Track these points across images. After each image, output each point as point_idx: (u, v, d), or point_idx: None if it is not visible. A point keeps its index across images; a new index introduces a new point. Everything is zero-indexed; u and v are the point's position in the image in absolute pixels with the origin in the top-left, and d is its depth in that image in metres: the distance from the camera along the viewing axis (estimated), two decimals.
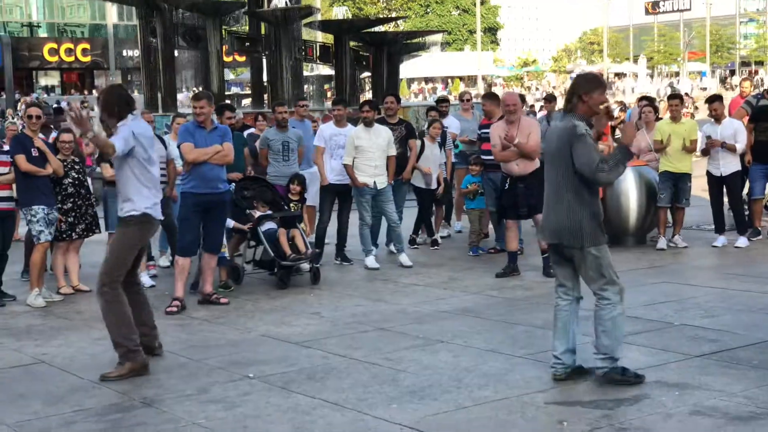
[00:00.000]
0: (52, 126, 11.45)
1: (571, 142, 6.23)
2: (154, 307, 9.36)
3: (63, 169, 10.02)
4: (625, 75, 76.67)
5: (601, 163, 6.17)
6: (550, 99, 15.79)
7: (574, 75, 71.10)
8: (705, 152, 12.16)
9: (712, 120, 12.18)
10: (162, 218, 7.71)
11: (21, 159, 9.66)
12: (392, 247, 11.97)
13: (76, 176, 10.24)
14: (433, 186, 12.55)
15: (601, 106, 6.35)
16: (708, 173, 12.21)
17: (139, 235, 7.31)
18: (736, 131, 11.94)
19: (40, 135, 10.32)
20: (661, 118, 13.67)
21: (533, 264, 10.91)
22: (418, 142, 12.40)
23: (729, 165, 12.00)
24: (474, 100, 15.36)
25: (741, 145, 11.96)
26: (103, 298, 7.11)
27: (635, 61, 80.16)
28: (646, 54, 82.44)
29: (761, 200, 12.73)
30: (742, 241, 11.92)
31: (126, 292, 7.19)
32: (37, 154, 9.78)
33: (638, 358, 7.05)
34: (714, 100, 12.32)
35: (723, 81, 76.62)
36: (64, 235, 10.23)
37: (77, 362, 7.45)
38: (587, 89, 6.34)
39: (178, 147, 9.53)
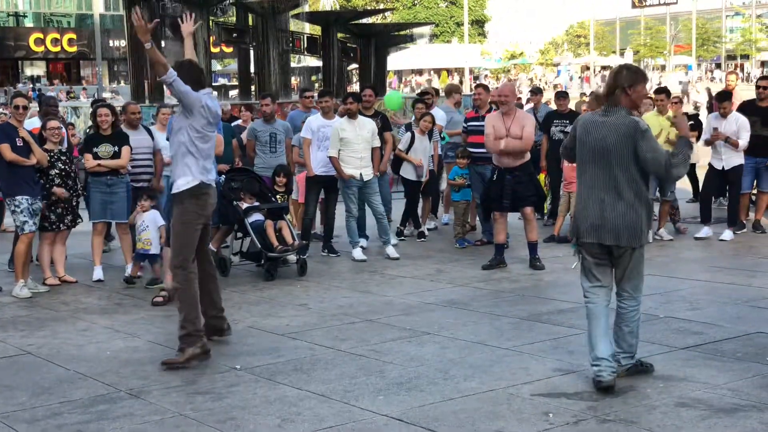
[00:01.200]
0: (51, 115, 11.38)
1: (635, 138, 6.00)
2: (140, 298, 9.42)
3: (47, 160, 9.97)
4: (611, 68, 76.82)
5: (671, 157, 6.04)
6: (536, 92, 15.83)
7: (617, 64, 71.19)
8: (708, 143, 12.17)
9: (716, 114, 12.21)
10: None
11: (5, 148, 9.61)
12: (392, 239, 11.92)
13: (63, 167, 10.19)
14: (424, 178, 12.58)
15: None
16: (710, 165, 12.25)
17: (196, 207, 7.26)
18: (739, 127, 11.98)
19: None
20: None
21: (519, 256, 10.95)
22: (408, 135, 12.42)
23: (732, 159, 12.04)
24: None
25: (744, 141, 12.00)
26: (176, 281, 7.22)
27: (622, 54, 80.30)
28: (633, 47, 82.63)
29: (748, 194, 12.79)
30: (728, 234, 11.98)
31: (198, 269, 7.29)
32: (21, 144, 9.74)
33: None
34: (725, 98, 12.29)
35: (710, 74, 76.87)
36: (53, 226, 10.19)
37: (63, 353, 7.44)
38: (632, 81, 6.15)
39: (167, 139, 9.48)
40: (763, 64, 77.21)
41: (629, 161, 6.02)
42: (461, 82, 64.76)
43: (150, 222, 9.95)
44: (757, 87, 12.80)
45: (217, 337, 7.53)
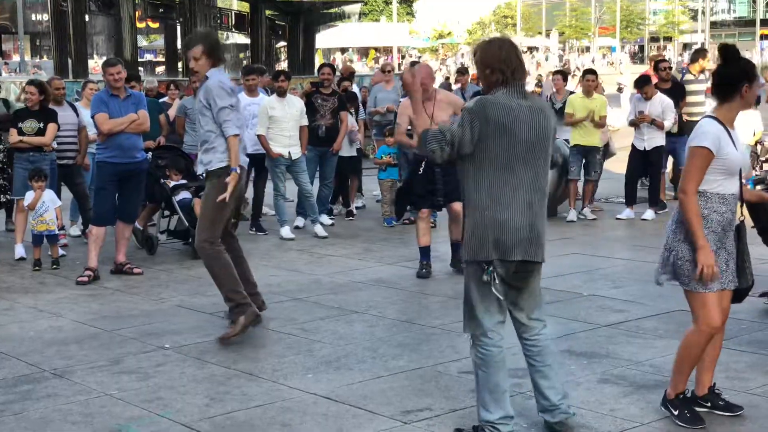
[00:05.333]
0: None
1: (554, 122, 5.09)
2: (64, 276, 9.29)
3: None
4: (537, 49, 77.42)
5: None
6: (463, 71, 15.90)
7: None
8: (633, 124, 12.34)
9: (639, 96, 12.38)
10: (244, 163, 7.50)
11: None
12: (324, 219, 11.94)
13: None
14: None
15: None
16: (632, 146, 12.44)
17: (240, 183, 7.25)
18: (665, 108, 12.16)
19: None
20: (573, 92, 13.91)
21: (444, 235, 10.99)
22: (350, 115, 12.44)
23: (653, 139, 12.23)
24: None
25: (669, 122, 12.20)
26: (204, 254, 7.14)
27: (547, 35, 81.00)
28: (558, 29, 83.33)
29: (664, 173, 13.04)
30: (650, 214, 12.21)
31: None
32: None
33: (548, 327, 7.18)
34: (644, 83, 12.44)
35: (633, 56, 77.95)
36: None
37: None
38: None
39: (92, 117, 9.35)
40: (685, 46, 78.48)
41: (548, 154, 4.96)
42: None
43: (50, 202, 9.80)
44: (662, 69, 13.02)
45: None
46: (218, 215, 7.09)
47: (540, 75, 32.31)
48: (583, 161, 12.41)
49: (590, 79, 12.66)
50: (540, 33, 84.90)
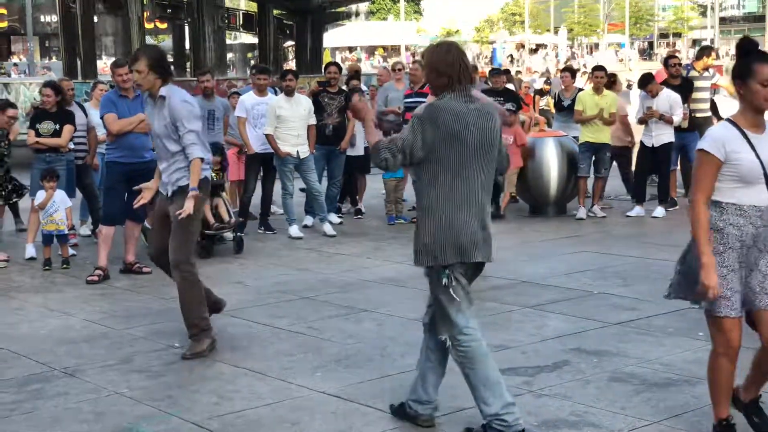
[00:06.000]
0: None
1: (500, 126, 5.09)
2: (74, 276, 9.31)
3: None
4: (545, 46, 77.30)
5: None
6: (472, 69, 15.85)
7: (494, 46, 71.64)
8: (642, 121, 12.29)
9: (644, 93, 12.32)
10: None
11: None
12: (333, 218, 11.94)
13: None
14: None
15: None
16: (640, 143, 12.41)
17: (202, 200, 7.03)
18: (672, 103, 12.12)
19: None
20: (583, 89, 13.89)
21: None
22: None
23: (662, 136, 12.19)
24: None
25: (678, 117, 12.15)
26: (182, 276, 6.72)
27: (556, 32, 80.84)
28: (567, 25, 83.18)
29: (675, 170, 13.00)
30: (660, 211, 12.18)
31: None
32: None
33: (558, 325, 7.19)
34: (647, 81, 12.39)
35: (642, 53, 77.72)
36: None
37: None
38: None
39: (101, 117, 9.36)
40: (694, 42, 78.26)
41: (496, 154, 5.00)
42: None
43: (60, 202, 9.83)
44: (671, 66, 12.98)
45: (218, 313, 7.26)
46: (191, 234, 6.86)
47: (548, 72, 32.24)
48: (593, 158, 12.38)
49: (599, 75, 12.63)
50: (548, 30, 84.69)
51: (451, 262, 4.85)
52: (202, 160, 6.81)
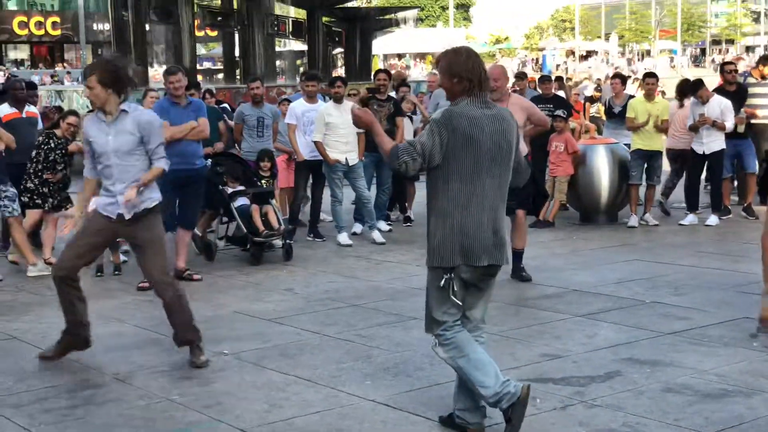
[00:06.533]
0: (27, 100, 11.25)
1: (518, 132, 5.21)
2: (126, 282, 9.39)
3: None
4: (596, 53, 76.81)
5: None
6: (521, 76, 15.78)
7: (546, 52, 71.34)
8: (694, 128, 12.13)
9: (695, 100, 12.17)
10: None
11: None
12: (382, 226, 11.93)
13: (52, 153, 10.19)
14: None
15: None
16: (691, 150, 12.26)
17: (161, 220, 6.87)
18: (724, 110, 11.97)
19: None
20: (633, 96, 13.76)
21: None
22: (406, 120, 12.40)
23: (713, 143, 12.04)
24: None
25: (730, 123, 12.00)
26: (177, 293, 6.66)
27: (607, 38, 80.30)
28: (618, 32, 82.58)
29: (729, 179, 12.84)
30: (713, 219, 12.02)
31: (75, 283, 6.74)
32: None
33: (609, 335, 7.11)
34: (698, 87, 12.24)
35: (695, 59, 76.93)
36: (44, 206, 10.22)
37: (49, 338, 7.37)
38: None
39: None
40: (747, 49, 77.30)
41: (512, 159, 5.10)
42: None
43: None
44: (727, 72, 12.82)
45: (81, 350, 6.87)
46: (166, 252, 6.76)
47: (599, 79, 32.00)
48: (645, 166, 12.25)
49: (650, 82, 12.50)
50: (599, 37, 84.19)
51: (456, 264, 4.96)
52: (163, 171, 6.63)
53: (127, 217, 6.53)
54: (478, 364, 5.04)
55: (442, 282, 5.00)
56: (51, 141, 10.12)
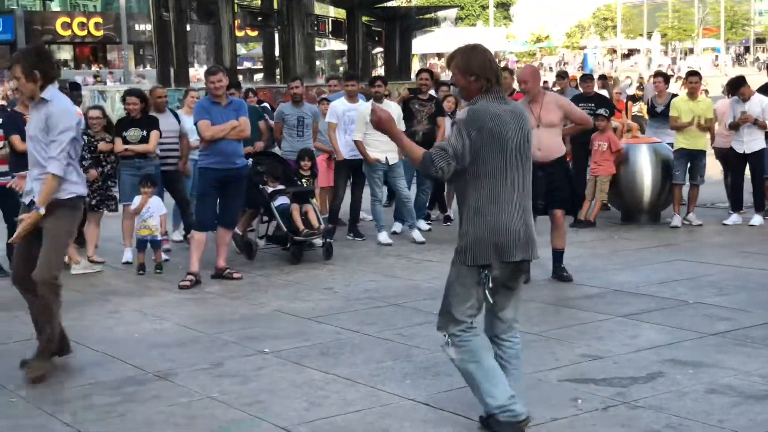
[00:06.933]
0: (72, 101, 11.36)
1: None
2: (167, 281, 9.46)
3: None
4: (638, 51, 76.26)
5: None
6: (562, 75, 15.70)
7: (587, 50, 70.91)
8: (735, 127, 11.99)
9: (737, 98, 12.03)
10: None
11: (16, 139, 9.53)
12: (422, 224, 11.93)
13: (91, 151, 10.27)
14: None
15: None
16: (731, 149, 12.12)
17: (77, 217, 6.62)
18: (764, 108, 11.83)
19: None
20: (677, 95, 13.62)
21: (545, 240, 10.81)
22: (447, 120, 12.37)
23: (754, 142, 11.91)
24: None
25: None
26: (53, 291, 6.35)
27: (649, 37, 79.71)
28: (660, 30, 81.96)
29: None
30: (757, 219, 11.87)
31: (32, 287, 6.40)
32: None
33: (652, 336, 7.04)
34: (740, 84, 12.12)
35: (738, 58, 76.12)
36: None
37: (92, 335, 7.47)
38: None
39: (195, 124, 9.49)
40: None
41: (531, 154, 5.12)
42: None
43: (155, 208, 10.00)
44: None
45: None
46: (62, 252, 6.54)
47: (641, 77, 31.76)
48: (688, 165, 12.12)
49: (693, 81, 12.38)
50: (641, 35, 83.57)
51: (491, 262, 4.92)
52: (57, 177, 6.18)
53: (26, 202, 6.33)
54: (489, 373, 4.99)
55: (482, 279, 4.93)
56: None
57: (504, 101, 5.00)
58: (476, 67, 4.94)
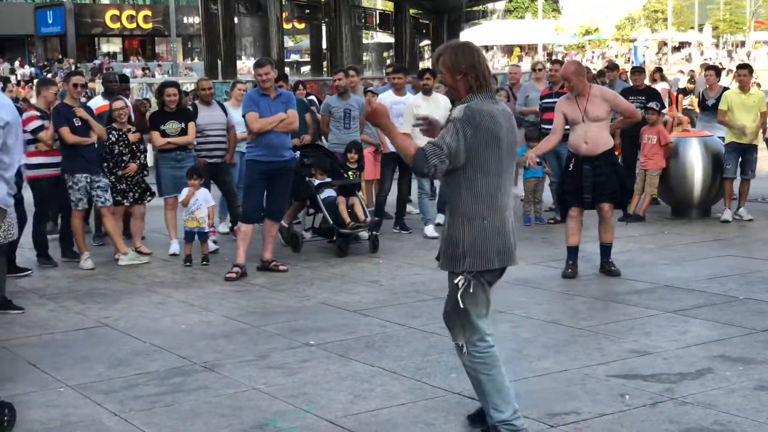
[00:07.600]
0: (120, 93, 11.45)
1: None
2: (213, 272, 9.51)
3: (107, 134, 10.12)
4: (689, 44, 75.36)
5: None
6: (612, 68, 15.54)
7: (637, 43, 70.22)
8: None
9: None
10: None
11: (65, 132, 9.69)
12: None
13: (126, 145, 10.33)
14: None
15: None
16: None
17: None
18: None
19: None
20: (728, 88, 13.44)
21: (593, 234, 10.73)
22: None
23: None
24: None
25: None
26: None
27: (700, 30, 78.72)
28: (711, 23, 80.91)
29: None
30: None
31: None
32: (79, 124, 9.84)
33: (702, 332, 6.95)
34: None
35: None
36: (121, 201, 10.34)
37: (139, 326, 7.54)
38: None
39: (243, 116, 9.51)
40: None
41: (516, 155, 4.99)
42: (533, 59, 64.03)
43: (202, 200, 10.02)
44: None
45: None
46: None
47: (692, 71, 31.40)
48: (739, 159, 11.95)
49: (742, 73, 12.19)
50: (692, 28, 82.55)
51: (496, 267, 4.85)
52: None
53: None
54: (501, 388, 4.90)
55: (468, 284, 4.82)
56: (111, 135, 10.25)
57: (494, 101, 4.84)
58: (465, 66, 4.78)
